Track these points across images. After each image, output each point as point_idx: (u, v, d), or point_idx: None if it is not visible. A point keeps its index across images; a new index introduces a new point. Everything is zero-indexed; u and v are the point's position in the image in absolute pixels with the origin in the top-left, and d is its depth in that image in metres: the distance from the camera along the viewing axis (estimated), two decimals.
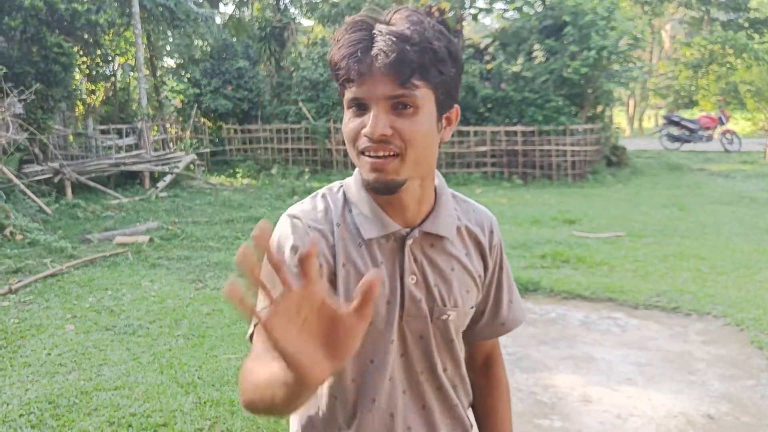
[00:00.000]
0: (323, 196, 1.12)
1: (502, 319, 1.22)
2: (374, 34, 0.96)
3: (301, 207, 1.10)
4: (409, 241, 1.07)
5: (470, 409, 1.26)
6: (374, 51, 0.94)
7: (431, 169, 1.08)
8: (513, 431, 1.30)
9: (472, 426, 1.23)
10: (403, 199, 1.05)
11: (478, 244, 1.16)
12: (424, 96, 0.97)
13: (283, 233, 1.06)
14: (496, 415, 1.28)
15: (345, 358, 0.72)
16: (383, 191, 1.01)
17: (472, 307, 1.15)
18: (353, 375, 1.09)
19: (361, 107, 0.98)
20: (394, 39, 0.94)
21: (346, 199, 1.10)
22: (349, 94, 0.98)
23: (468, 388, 1.22)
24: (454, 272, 1.11)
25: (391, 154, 0.98)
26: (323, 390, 1.11)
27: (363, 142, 0.98)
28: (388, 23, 0.98)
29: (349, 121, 1.00)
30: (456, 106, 1.05)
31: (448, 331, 1.12)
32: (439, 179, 1.13)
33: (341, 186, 1.13)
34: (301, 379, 0.71)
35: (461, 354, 1.18)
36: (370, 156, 0.98)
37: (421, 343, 1.10)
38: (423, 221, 1.08)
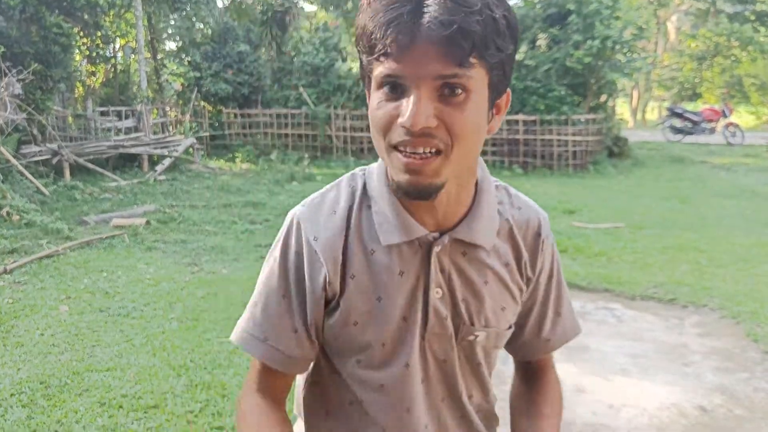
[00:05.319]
0: (338, 187, 0.95)
1: (546, 335, 1.05)
2: None
3: (310, 205, 0.94)
4: (437, 248, 0.89)
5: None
6: (426, 18, 0.73)
7: (473, 167, 0.89)
8: None
9: None
10: (435, 199, 0.85)
11: (521, 250, 0.97)
12: (478, 78, 0.77)
13: (285, 237, 0.93)
14: (535, 412, 1.05)
15: None
16: (416, 197, 0.82)
17: (510, 327, 0.99)
18: (367, 407, 0.96)
19: (396, 89, 0.78)
20: (452, 3, 0.73)
21: (365, 191, 0.92)
22: (382, 69, 0.77)
23: (494, 412, 1.08)
24: (488, 285, 0.93)
25: (433, 151, 0.78)
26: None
27: (398, 135, 0.78)
28: None
29: (378, 105, 0.79)
30: (508, 90, 0.86)
31: (473, 354, 0.97)
32: (481, 171, 0.93)
33: (363, 174, 0.95)
34: None
35: (489, 378, 1.04)
36: (405, 153, 0.79)
37: (444, 367, 0.96)
38: (457, 224, 0.90)
